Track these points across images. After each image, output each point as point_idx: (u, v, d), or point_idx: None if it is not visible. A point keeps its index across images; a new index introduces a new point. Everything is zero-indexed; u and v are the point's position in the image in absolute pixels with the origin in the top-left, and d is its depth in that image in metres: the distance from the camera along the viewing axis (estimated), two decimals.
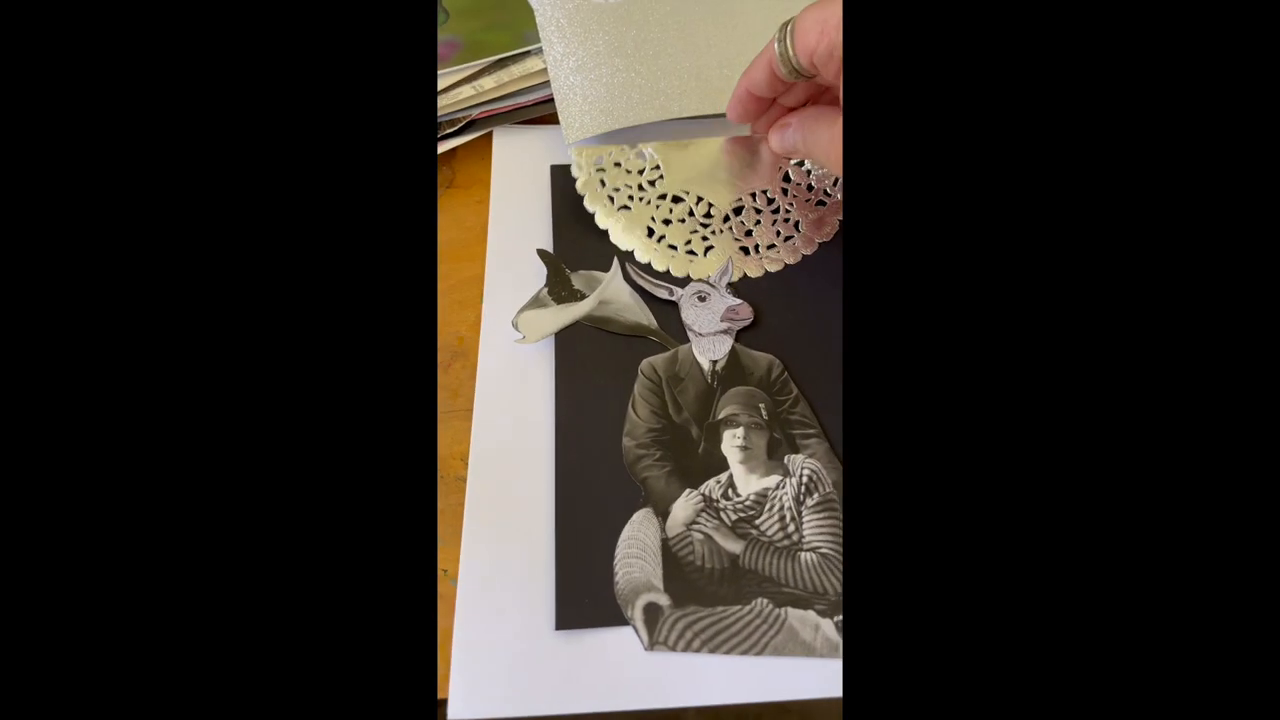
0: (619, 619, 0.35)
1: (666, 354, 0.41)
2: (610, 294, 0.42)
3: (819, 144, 0.38)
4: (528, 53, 0.50)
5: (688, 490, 0.37)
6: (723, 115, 0.50)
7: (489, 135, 0.49)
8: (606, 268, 0.43)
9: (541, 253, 0.44)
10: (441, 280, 0.45)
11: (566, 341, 0.41)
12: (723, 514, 0.37)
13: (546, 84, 0.49)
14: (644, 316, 0.42)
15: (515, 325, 0.42)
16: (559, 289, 0.43)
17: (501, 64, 0.49)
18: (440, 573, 0.37)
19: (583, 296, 0.42)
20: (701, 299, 0.42)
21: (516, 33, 0.51)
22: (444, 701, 0.34)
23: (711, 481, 0.37)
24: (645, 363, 0.41)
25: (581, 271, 0.43)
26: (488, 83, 0.49)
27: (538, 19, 0.51)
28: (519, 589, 0.36)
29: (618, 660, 0.34)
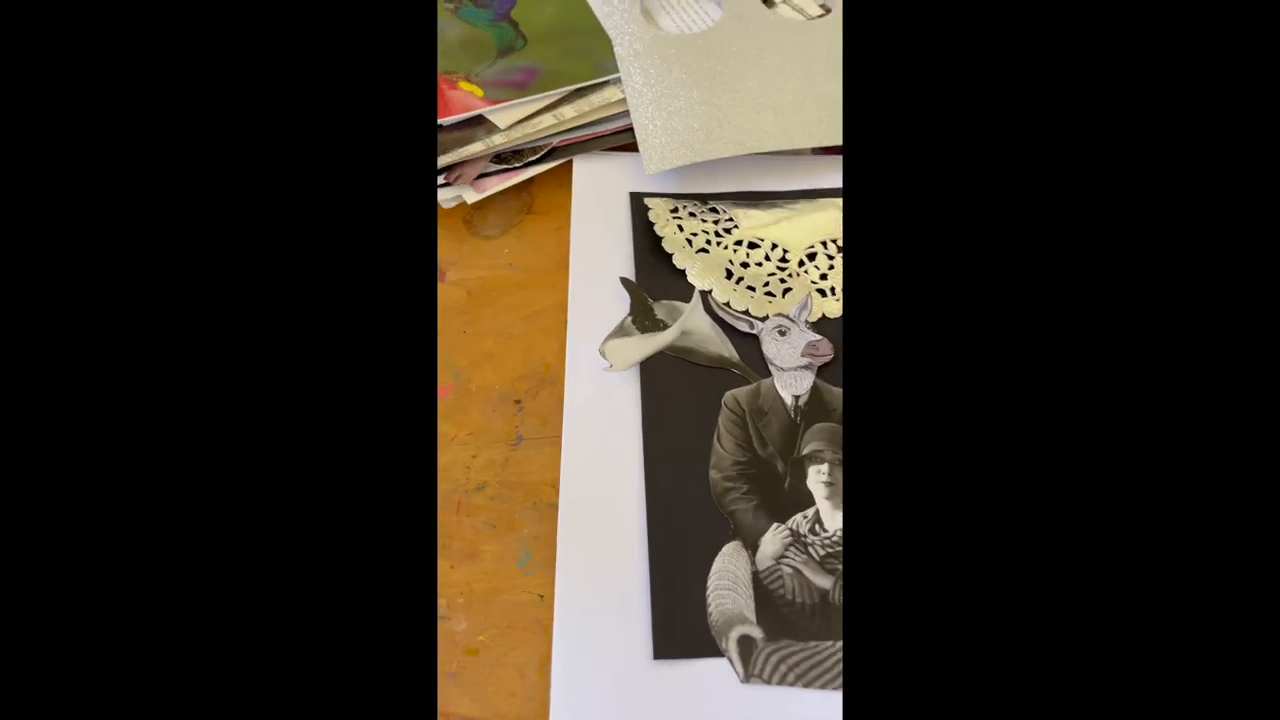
0: (716, 650, 0.36)
1: (749, 387, 0.42)
2: (691, 325, 0.44)
3: None
4: (606, 82, 0.51)
5: (775, 524, 0.38)
6: (799, 152, 0.51)
7: (568, 163, 0.50)
8: (688, 297, 0.44)
9: (625, 281, 0.45)
10: (524, 307, 0.46)
11: (652, 370, 0.42)
12: (811, 549, 0.38)
13: (626, 113, 0.50)
14: (725, 349, 0.43)
15: (602, 353, 0.43)
16: (642, 318, 0.44)
17: (580, 93, 0.50)
18: (537, 598, 0.38)
19: (665, 326, 0.43)
20: (782, 333, 0.43)
21: (594, 61, 0.52)
22: None
23: (799, 516, 0.39)
24: (729, 395, 0.42)
25: (664, 301, 0.44)
26: (568, 111, 0.50)
27: (616, 50, 0.52)
28: (615, 616, 0.37)
29: (715, 691, 0.35)
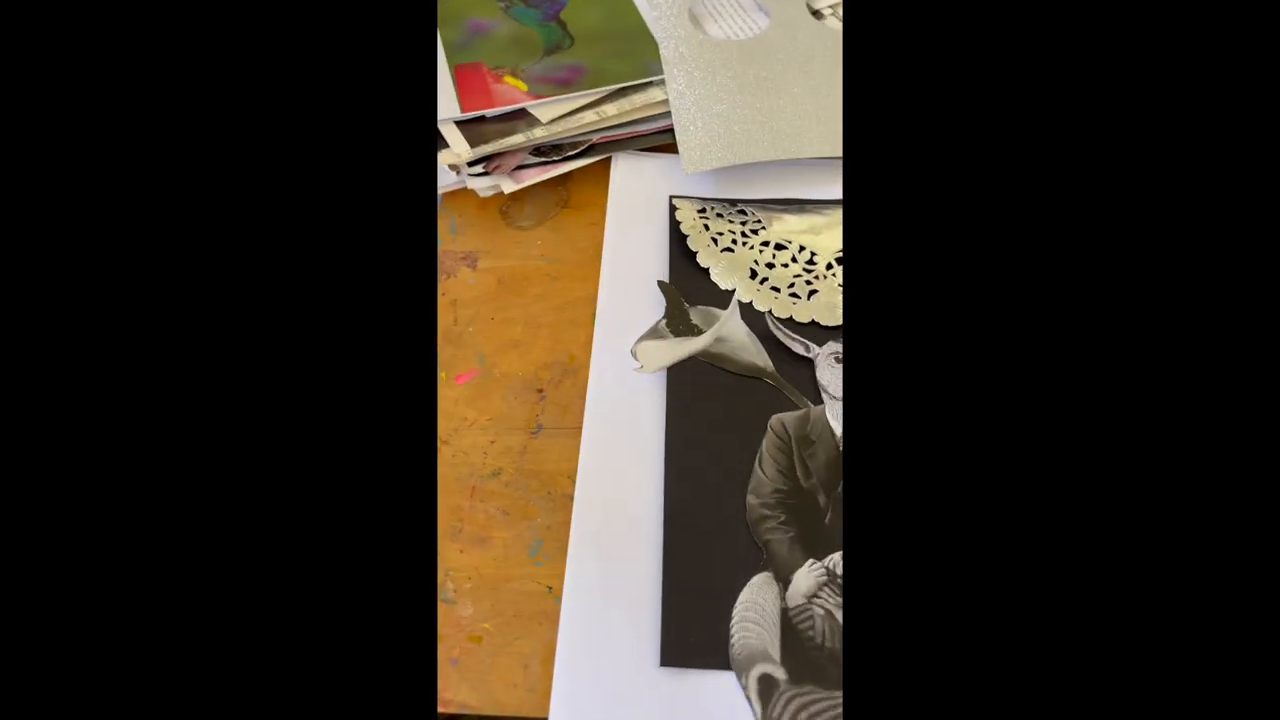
0: (722, 663, 0.34)
1: (798, 413, 0.40)
2: (727, 332, 0.43)
3: None
4: (650, 83, 0.51)
5: (811, 560, 0.36)
6: (839, 158, 0.50)
7: (606, 160, 0.50)
8: (724, 303, 0.44)
9: (662, 284, 0.44)
10: (554, 298, 0.45)
11: (680, 373, 0.42)
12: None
13: (668, 114, 0.50)
14: (760, 358, 0.42)
15: (633, 354, 0.42)
16: (677, 322, 0.43)
17: (624, 92, 0.50)
18: (545, 589, 0.37)
19: (700, 331, 0.43)
20: (839, 360, 0.41)
21: (639, 62, 0.52)
22: None
23: (837, 555, 0.37)
24: (775, 419, 0.40)
25: (700, 307, 0.44)
26: (610, 109, 0.50)
27: (661, 51, 0.52)
28: (623, 615, 0.36)
29: (718, 705, 0.34)
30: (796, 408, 0.40)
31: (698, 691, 0.34)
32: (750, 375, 0.42)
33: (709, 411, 0.40)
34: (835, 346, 0.42)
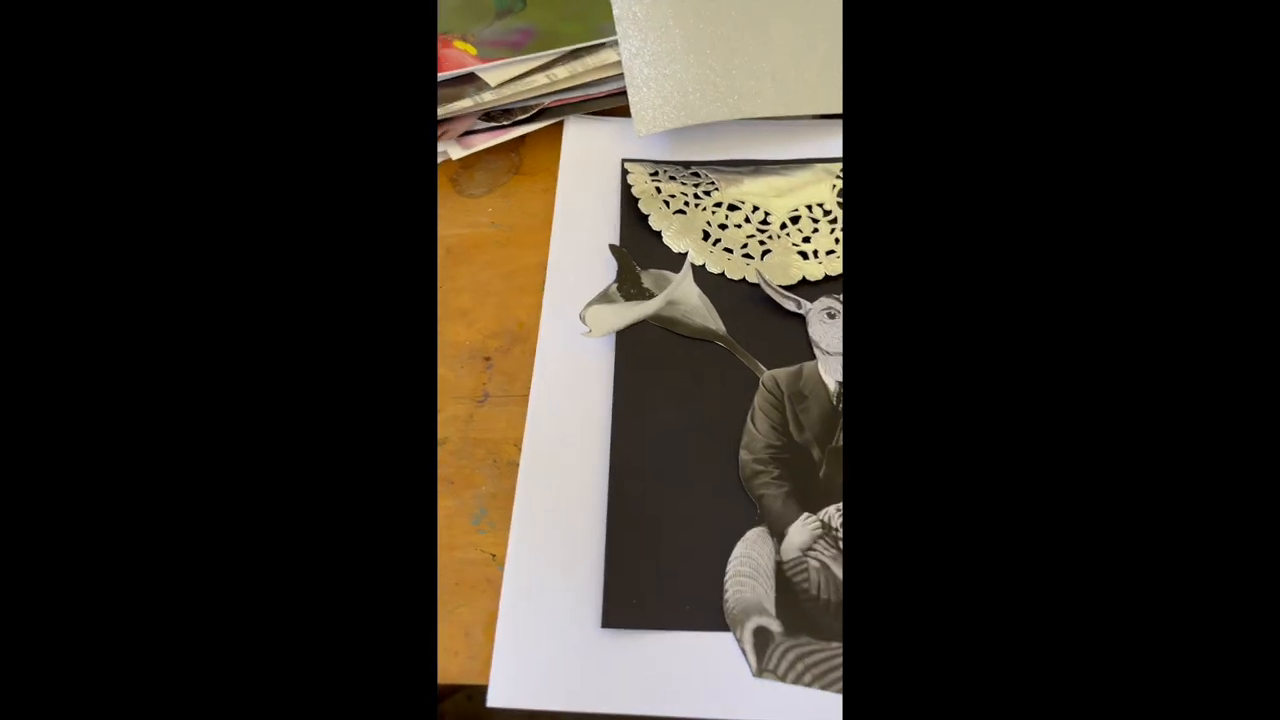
0: (665, 623, 0.34)
1: (791, 369, 0.40)
2: (679, 295, 0.42)
3: None
4: (602, 44, 0.50)
5: (805, 514, 0.36)
6: (796, 118, 0.49)
7: (559, 124, 0.49)
8: (677, 267, 0.43)
9: (614, 248, 0.43)
10: (504, 265, 0.44)
11: (629, 338, 0.41)
12: (841, 543, 0.36)
13: (620, 76, 0.48)
14: (712, 321, 0.41)
15: (582, 318, 0.41)
16: (628, 286, 0.42)
17: (576, 54, 0.49)
18: (489, 557, 0.36)
19: (651, 295, 0.42)
20: (831, 316, 0.41)
21: (591, 24, 0.50)
22: (484, 688, 0.33)
23: (831, 509, 0.36)
24: (768, 375, 0.39)
25: (652, 270, 0.43)
26: (561, 72, 0.49)
27: (615, 10, 0.50)
28: (565, 581, 0.35)
29: (660, 665, 0.33)
30: (748, 370, 0.40)
31: (638, 653, 0.33)
32: (702, 339, 0.41)
33: (658, 376, 0.40)
34: (827, 302, 0.41)
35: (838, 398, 0.39)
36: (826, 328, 0.41)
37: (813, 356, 0.40)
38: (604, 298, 0.42)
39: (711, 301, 0.42)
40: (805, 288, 0.42)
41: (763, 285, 0.42)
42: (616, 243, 0.44)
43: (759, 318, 0.41)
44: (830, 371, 0.40)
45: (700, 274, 0.43)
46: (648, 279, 0.42)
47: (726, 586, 0.34)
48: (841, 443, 0.38)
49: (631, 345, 0.41)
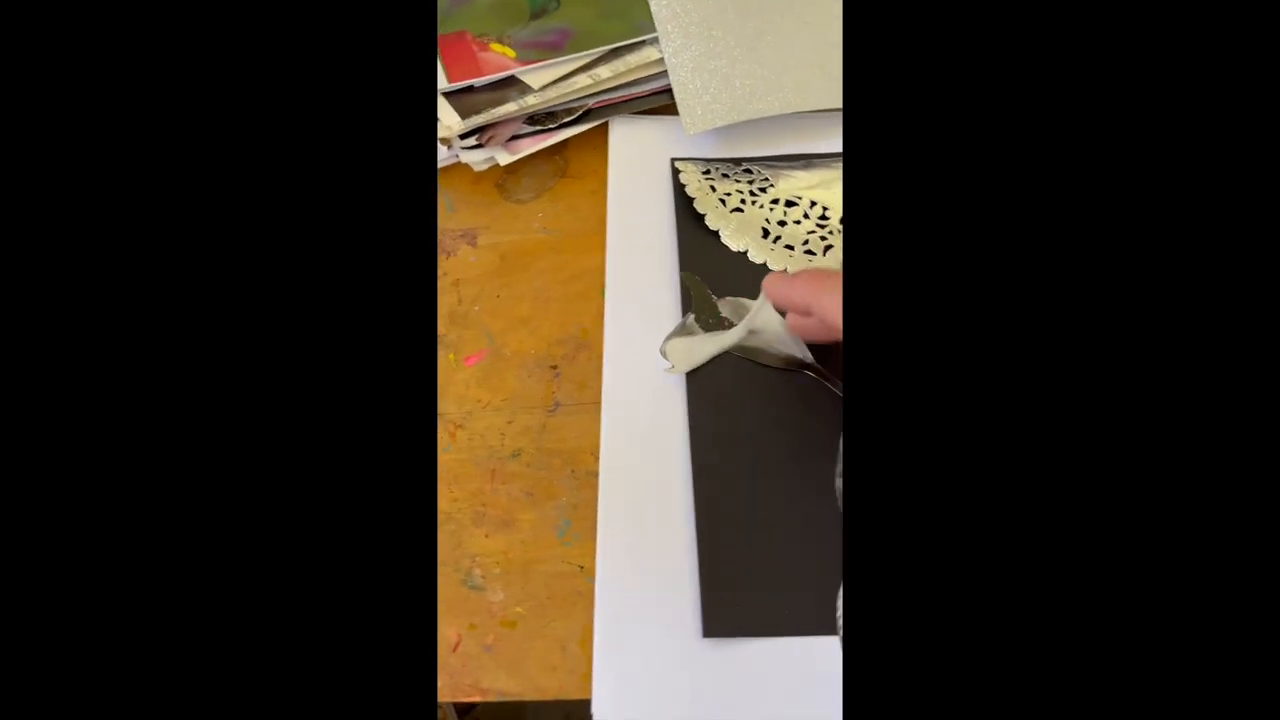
0: (767, 629, 0.33)
1: None
2: (760, 323, 0.40)
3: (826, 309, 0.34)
4: (643, 42, 0.49)
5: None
6: None
7: (603, 125, 0.48)
8: (738, 271, 0.42)
9: (686, 276, 0.42)
10: (560, 271, 0.44)
11: None
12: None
13: (663, 74, 0.48)
14: (798, 349, 0.40)
15: (664, 354, 0.40)
16: (706, 316, 0.41)
17: (617, 53, 0.49)
18: (577, 569, 0.36)
19: (731, 324, 0.40)
20: None
21: (630, 21, 0.50)
22: (587, 703, 0.33)
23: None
24: None
25: (729, 298, 0.41)
26: (604, 72, 0.48)
27: (653, 8, 0.50)
28: (660, 591, 0.35)
29: (764, 672, 0.33)
30: (837, 395, 0.38)
31: (743, 661, 0.33)
32: (789, 369, 0.39)
33: (728, 375, 0.39)
34: None
35: None
36: None
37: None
38: (683, 330, 0.41)
39: None
40: None
41: None
42: (673, 243, 0.43)
43: None
44: None
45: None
46: (725, 307, 0.41)
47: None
48: None
49: None
